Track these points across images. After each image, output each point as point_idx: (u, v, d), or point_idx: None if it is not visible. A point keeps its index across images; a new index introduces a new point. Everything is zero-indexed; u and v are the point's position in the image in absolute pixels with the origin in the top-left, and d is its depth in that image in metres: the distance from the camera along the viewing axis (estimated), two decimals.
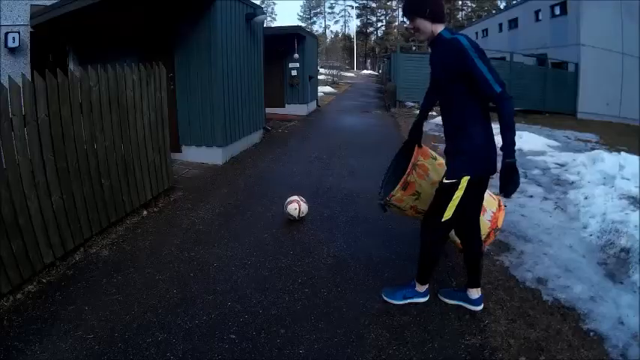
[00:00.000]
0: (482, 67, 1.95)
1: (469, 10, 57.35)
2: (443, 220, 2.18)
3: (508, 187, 2.00)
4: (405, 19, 2.24)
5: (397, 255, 3.18)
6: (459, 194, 2.13)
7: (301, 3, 70.28)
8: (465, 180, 2.11)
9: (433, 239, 2.32)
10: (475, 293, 2.46)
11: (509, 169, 1.97)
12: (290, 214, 3.79)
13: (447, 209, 2.16)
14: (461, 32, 2.19)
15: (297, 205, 3.79)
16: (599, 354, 2.10)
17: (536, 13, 17.72)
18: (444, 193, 2.19)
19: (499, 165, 2.03)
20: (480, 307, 2.46)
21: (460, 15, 56.88)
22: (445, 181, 2.17)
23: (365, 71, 51.55)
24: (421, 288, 2.49)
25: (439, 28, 2.13)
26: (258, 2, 12.81)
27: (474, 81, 1.98)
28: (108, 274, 2.87)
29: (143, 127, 3.97)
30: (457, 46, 1.99)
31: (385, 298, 2.54)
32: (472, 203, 2.24)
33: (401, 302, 2.49)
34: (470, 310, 2.46)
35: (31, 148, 2.66)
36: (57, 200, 2.87)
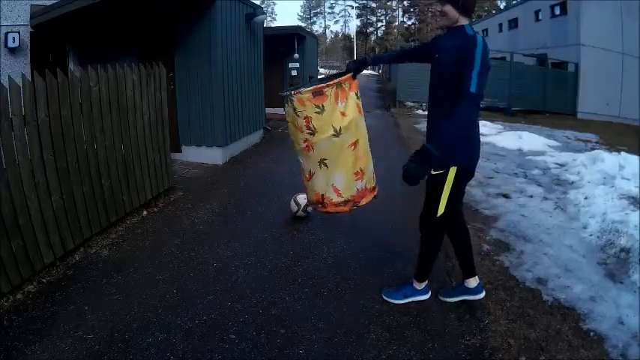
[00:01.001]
0: (476, 68, 1.97)
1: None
2: (438, 215, 2.22)
3: (409, 170, 1.99)
4: (437, 2, 2.25)
5: (397, 255, 3.18)
6: (448, 186, 2.17)
7: (301, 3, 70.28)
8: (452, 170, 2.15)
9: (432, 237, 2.36)
10: (472, 282, 2.48)
11: (423, 153, 1.97)
12: (298, 202, 3.87)
13: (440, 204, 2.20)
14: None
15: (294, 204, 3.89)
16: (599, 354, 2.11)
17: (536, 13, 17.71)
18: (434, 186, 2.22)
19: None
20: (482, 295, 2.48)
21: None
22: (433, 172, 2.19)
23: (365, 71, 51.39)
24: (420, 285, 2.51)
25: (464, 20, 2.17)
26: (258, 2, 12.81)
27: (460, 72, 2.00)
28: (108, 274, 2.87)
29: (143, 127, 3.97)
30: (472, 40, 2.04)
31: (386, 298, 2.55)
32: (459, 193, 2.28)
33: (402, 301, 2.50)
34: (470, 310, 2.46)
35: (31, 148, 2.66)
36: (57, 200, 2.87)
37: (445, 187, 2.18)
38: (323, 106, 2.30)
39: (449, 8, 2.15)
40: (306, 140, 2.38)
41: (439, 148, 1.97)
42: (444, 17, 2.21)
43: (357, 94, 2.44)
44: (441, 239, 2.41)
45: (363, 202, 2.50)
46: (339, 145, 2.37)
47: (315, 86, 2.28)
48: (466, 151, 2.17)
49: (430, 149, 1.96)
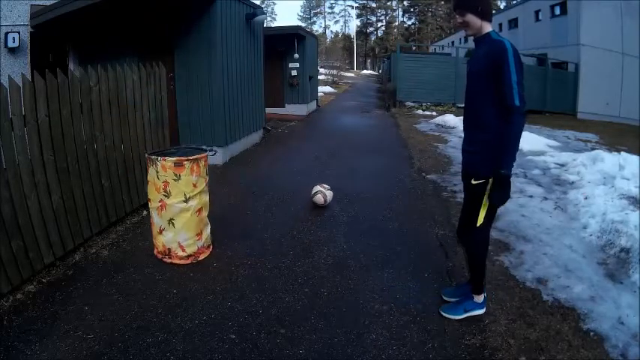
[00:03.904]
0: (514, 76, 1.99)
1: None
2: (478, 225, 2.19)
3: (501, 199, 2.08)
4: (455, 15, 2.25)
5: (397, 255, 3.18)
6: (487, 195, 2.14)
7: (301, 3, 70.13)
8: (491, 180, 2.11)
9: (478, 247, 2.31)
10: (480, 297, 2.41)
11: (504, 180, 2.03)
12: (316, 202, 4.22)
13: (480, 214, 2.17)
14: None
15: (322, 198, 4.21)
16: (599, 354, 2.10)
17: (536, 13, 17.71)
18: (473, 196, 2.20)
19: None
20: (483, 310, 2.42)
21: None
22: (474, 182, 2.17)
23: (365, 71, 51.52)
24: (479, 298, 2.41)
25: (488, 26, 2.17)
26: (258, 2, 12.81)
27: (500, 83, 2.01)
28: (108, 274, 2.87)
29: (143, 126, 3.97)
30: (500, 46, 2.03)
31: (445, 314, 2.41)
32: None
33: (463, 316, 2.39)
34: None
35: (31, 148, 2.66)
36: (57, 200, 2.87)
37: (485, 197, 2.15)
38: (180, 175, 2.87)
39: (470, 17, 2.15)
40: (161, 200, 2.92)
41: (509, 168, 2.03)
42: (467, 27, 2.20)
43: (206, 171, 3.10)
44: (486, 247, 2.36)
45: (202, 257, 3.07)
46: (187, 210, 2.93)
47: (177, 158, 2.86)
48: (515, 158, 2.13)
49: (506, 174, 2.02)
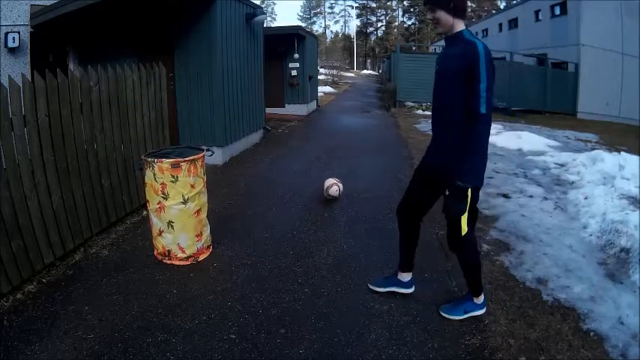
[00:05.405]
0: (483, 83, 1.94)
1: (469, 10, 57.29)
2: (463, 234, 2.14)
3: (453, 211, 2.05)
4: (427, 11, 2.19)
5: (397, 255, 3.17)
6: (467, 203, 2.08)
7: (301, 3, 70.11)
8: (469, 191, 2.06)
9: (468, 253, 2.30)
10: (480, 298, 2.42)
11: (460, 192, 1.98)
12: (332, 195, 4.40)
13: (462, 224, 2.11)
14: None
15: (337, 187, 4.41)
16: (599, 354, 2.10)
17: (536, 13, 17.71)
18: (457, 200, 2.09)
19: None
20: (484, 310, 2.43)
21: None
22: (447, 193, 2.11)
23: (365, 71, 51.52)
24: (479, 300, 2.41)
25: (460, 24, 2.11)
26: (258, 2, 12.81)
27: (469, 89, 1.98)
28: (108, 274, 2.87)
29: (143, 127, 3.97)
30: (473, 50, 1.98)
31: (445, 314, 2.41)
32: (473, 209, 2.21)
33: (462, 317, 2.39)
34: None
35: (31, 148, 2.66)
36: (57, 200, 2.87)
37: (466, 205, 2.10)
38: (177, 177, 2.87)
39: (442, 14, 2.09)
40: (159, 202, 2.92)
41: (468, 179, 1.99)
42: (438, 24, 2.14)
43: (204, 171, 3.11)
44: (476, 251, 2.35)
45: (202, 257, 3.07)
46: (186, 212, 2.94)
47: (174, 159, 2.86)
48: (481, 170, 2.09)
49: (461, 185, 1.98)
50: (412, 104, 13.25)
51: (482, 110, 1.95)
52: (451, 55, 2.11)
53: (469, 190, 2.01)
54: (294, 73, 11.24)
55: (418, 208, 2.45)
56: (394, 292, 2.61)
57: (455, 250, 2.32)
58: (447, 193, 2.09)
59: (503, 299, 2.59)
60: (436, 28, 2.18)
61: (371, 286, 2.70)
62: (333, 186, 4.42)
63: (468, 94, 1.99)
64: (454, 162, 2.07)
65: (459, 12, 2.09)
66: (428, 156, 2.35)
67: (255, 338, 2.22)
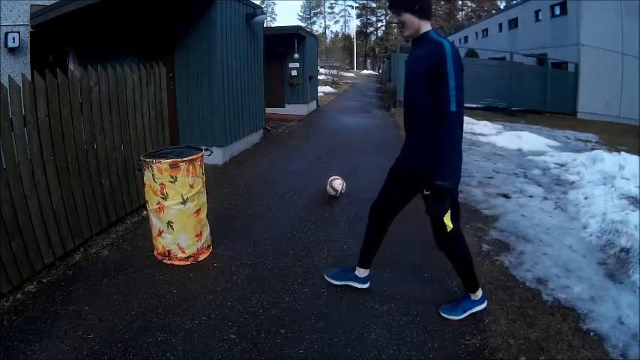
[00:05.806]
0: (452, 81, 1.94)
1: (469, 10, 57.27)
2: (449, 231, 2.14)
3: (436, 212, 2.03)
4: (392, 15, 2.22)
5: (397, 255, 3.18)
6: (448, 201, 2.07)
7: (301, 3, 70.11)
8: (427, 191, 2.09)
9: (456, 250, 2.31)
10: (478, 293, 2.43)
11: (442, 192, 1.98)
12: (335, 188, 4.43)
13: (446, 222, 2.10)
14: (446, 37, 2.16)
15: (340, 181, 4.47)
16: (599, 354, 2.10)
17: (536, 13, 17.72)
18: (438, 200, 2.08)
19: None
20: (484, 305, 2.44)
21: (460, 15, 56.82)
22: (425, 192, 2.12)
23: (365, 71, 51.51)
24: (476, 296, 2.42)
25: (426, 25, 2.12)
26: (258, 2, 12.81)
27: (438, 88, 1.98)
28: (108, 274, 2.87)
29: (143, 126, 3.97)
30: (440, 50, 1.98)
31: (445, 315, 2.41)
32: (454, 205, 2.21)
33: (463, 316, 2.39)
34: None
35: (31, 148, 2.66)
36: (57, 200, 2.87)
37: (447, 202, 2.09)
38: (176, 177, 2.87)
39: (407, 17, 2.10)
40: (158, 203, 2.92)
41: (447, 178, 1.97)
42: (404, 28, 2.15)
43: (203, 171, 3.09)
44: (464, 244, 2.35)
45: (202, 257, 3.07)
46: (185, 212, 2.94)
47: (172, 159, 2.85)
48: (458, 168, 2.07)
49: (442, 185, 1.97)
50: None
51: (453, 108, 1.94)
52: (419, 57, 2.12)
53: (448, 188, 2.00)
54: (294, 73, 11.24)
55: (390, 210, 2.47)
56: (349, 285, 2.67)
57: (443, 247, 2.33)
58: (427, 193, 2.10)
59: (503, 299, 2.59)
60: (403, 31, 2.20)
61: (327, 278, 2.75)
62: (337, 179, 4.47)
63: (437, 94, 1.99)
64: (426, 162, 2.10)
65: (424, 13, 2.10)
66: (401, 157, 2.35)
67: (255, 338, 2.22)
